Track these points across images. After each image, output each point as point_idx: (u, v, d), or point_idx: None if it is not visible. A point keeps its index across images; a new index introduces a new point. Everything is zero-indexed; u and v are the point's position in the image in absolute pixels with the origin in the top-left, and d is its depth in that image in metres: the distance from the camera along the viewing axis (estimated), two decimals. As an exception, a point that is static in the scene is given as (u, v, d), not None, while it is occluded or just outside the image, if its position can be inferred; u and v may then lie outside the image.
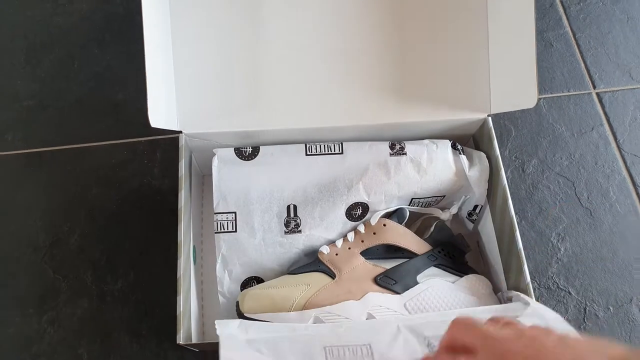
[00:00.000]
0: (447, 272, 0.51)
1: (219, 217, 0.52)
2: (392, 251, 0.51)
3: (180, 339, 0.45)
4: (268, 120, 0.54)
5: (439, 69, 0.56)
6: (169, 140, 0.66)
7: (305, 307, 0.47)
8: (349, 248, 0.51)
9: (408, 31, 0.56)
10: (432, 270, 0.51)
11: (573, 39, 0.76)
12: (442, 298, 0.48)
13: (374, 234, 0.51)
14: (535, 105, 0.50)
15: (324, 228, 0.52)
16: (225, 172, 0.52)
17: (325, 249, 0.51)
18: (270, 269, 0.53)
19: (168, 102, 0.52)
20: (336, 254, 0.50)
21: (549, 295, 0.60)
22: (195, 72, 0.53)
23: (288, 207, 0.52)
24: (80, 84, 0.69)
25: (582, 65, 0.74)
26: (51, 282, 0.59)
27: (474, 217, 0.57)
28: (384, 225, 0.51)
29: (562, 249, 0.63)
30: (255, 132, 0.54)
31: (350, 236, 0.52)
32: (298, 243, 0.52)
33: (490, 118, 0.55)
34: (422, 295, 0.48)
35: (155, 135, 0.67)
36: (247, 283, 0.53)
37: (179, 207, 0.50)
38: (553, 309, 0.59)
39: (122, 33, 0.74)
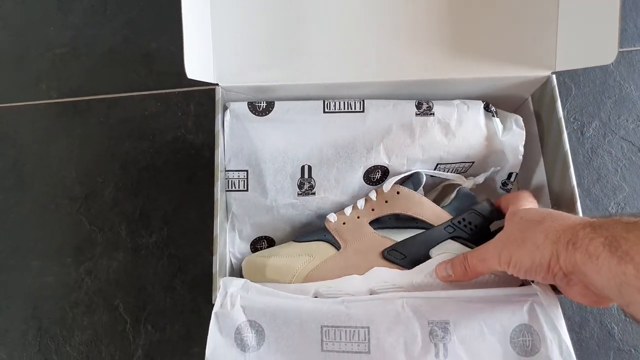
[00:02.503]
0: (465, 246, 0.46)
1: (230, 174, 0.49)
2: (406, 221, 0.46)
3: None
4: (309, 74, 0.50)
5: (495, 17, 0.50)
6: (203, 93, 0.64)
7: (306, 279, 0.45)
8: (358, 217, 0.47)
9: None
10: (449, 243, 0.45)
11: (651, -15, 0.68)
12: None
13: (386, 202, 0.46)
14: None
15: (340, 191, 0.49)
16: (238, 127, 0.49)
17: (332, 217, 0.48)
18: (281, 230, 0.51)
19: (205, 53, 0.49)
20: (344, 223, 0.47)
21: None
22: (234, 23, 0.50)
23: (302, 167, 0.49)
24: (113, 31, 0.67)
25: (660, 15, 0.66)
26: (87, 234, 0.59)
27: (509, 186, 0.52)
28: (398, 192, 0.46)
29: (621, 220, 0.58)
30: (295, 86, 0.50)
31: (360, 203, 0.47)
32: (311, 206, 0.50)
33: (554, 76, 0.49)
34: (433, 272, 0.44)
35: (189, 87, 0.64)
36: (257, 242, 0.51)
37: (215, 164, 0.47)
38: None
39: (155, -23, 0.70)
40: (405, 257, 0.45)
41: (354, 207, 0.48)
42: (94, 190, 0.61)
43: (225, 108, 0.51)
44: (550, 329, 0.39)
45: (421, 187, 0.48)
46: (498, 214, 0.46)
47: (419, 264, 0.44)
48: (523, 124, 0.50)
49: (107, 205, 0.60)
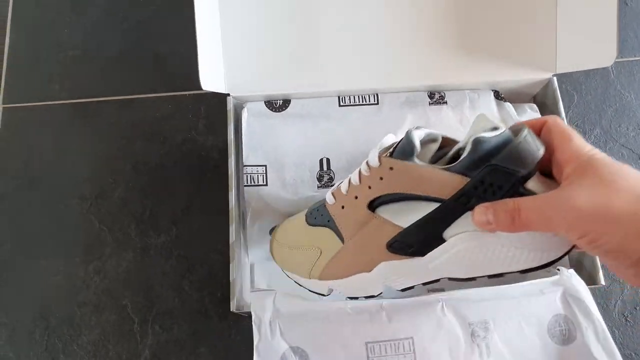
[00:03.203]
0: None
1: (249, 169, 0.50)
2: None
3: (234, 307, 0.44)
4: (320, 82, 0.51)
5: (496, 22, 0.51)
6: (214, 95, 0.64)
7: (321, 277, 0.42)
8: (356, 197, 0.39)
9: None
10: (468, 218, 0.35)
11: (651, -2, 0.69)
12: (476, 261, 0.36)
13: (381, 179, 0.37)
14: (603, 68, 0.46)
15: None
16: (255, 124, 0.50)
17: (330, 199, 0.41)
18: None
19: (216, 63, 0.50)
20: (342, 207, 0.40)
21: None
22: (244, 32, 0.51)
23: (321, 160, 0.50)
24: (125, 34, 0.68)
25: (660, 27, 0.68)
26: (97, 233, 0.60)
27: None
28: (391, 168, 0.36)
29: (623, 225, 0.59)
30: (306, 94, 0.51)
31: (355, 178, 0.39)
32: None
33: (555, 78, 0.51)
34: (448, 259, 0.36)
35: (200, 90, 0.65)
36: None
37: (229, 173, 0.48)
38: (609, 286, 0.57)
39: (167, -18, 0.71)
40: (412, 246, 0.37)
41: (350, 185, 0.40)
42: (104, 191, 0.61)
43: (237, 117, 0.52)
44: (585, 316, 0.40)
45: (417, 150, 0.36)
46: (534, 157, 0.32)
47: (431, 250, 0.37)
48: (537, 109, 0.51)
49: (117, 206, 0.61)
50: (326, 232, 0.42)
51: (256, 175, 0.50)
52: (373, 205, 0.38)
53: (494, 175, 0.32)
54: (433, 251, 0.37)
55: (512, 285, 0.41)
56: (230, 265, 0.46)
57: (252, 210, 0.50)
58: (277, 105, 0.51)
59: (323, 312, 0.41)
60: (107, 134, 0.64)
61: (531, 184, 0.33)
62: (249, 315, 0.51)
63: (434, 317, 0.40)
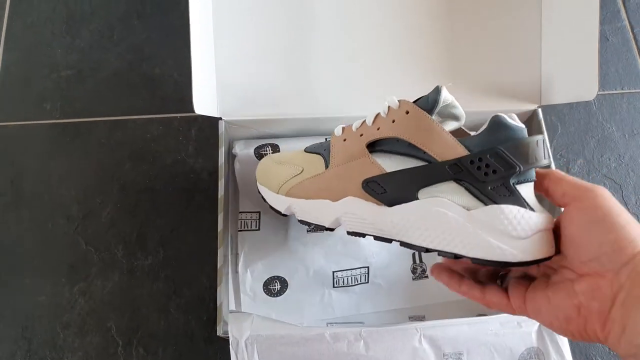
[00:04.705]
0: (469, 193, 0.34)
1: (243, 216, 0.52)
2: (416, 149, 0.36)
3: (221, 331, 0.44)
4: (311, 108, 0.52)
5: (484, 55, 0.53)
6: (205, 118, 0.65)
7: (288, 194, 0.43)
8: (361, 135, 0.39)
9: (453, 15, 0.53)
10: (448, 186, 0.34)
11: (631, 33, 0.72)
12: (437, 230, 0.34)
13: (393, 122, 0.37)
14: (586, 101, 0.47)
15: None
16: (246, 174, 0.52)
17: (338, 131, 0.42)
18: (293, 268, 0.52)
19: (209, 87, 0.51)
20: (344, 140, 0.41)
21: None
22: (236, 58, 0.52)
23: None
24: (118, 56, 0.68)
25: (639, 61, 0.70)
26: (83, 254, 0.59)
27: None
28: (407, 112, 0.36)
29: (605, 254, 0.60)
30: (298, 120, 0.52)
31: (370, 119, 0.40)
32: (321, 242, 0.51)
33: (540, 110, 0.53)
34: (412, 217, 0.36)
35: (190, 112, 0.65)
36: (269, 283, 0.52)
37: (218, 196, 0.49)
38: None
39: (162, 5, 0.72)
40: (385, 192, 0.37)
41: (363, 123, 0.40)
42: (92, 211, 0.61)
43: (228, 141, 0.53)
44: (555, 351, 0.42)
45: (439, 105, 0.36)
46: (540, 160, 0.33)
47: (400, 203, 0.36)
48: None
49: (104, 226, 0.61)
50: (316, 157, 0.43)
51: (250, 220, 0.52)
52: (373, 149, 0.39)
53: (493, 158, 0.32)
54: (400, 205, 0.36)
55: (491, 317, 0.42)
56: (218, 288, 0.46)
57: (244, 254, 0.51)
58: (266, 155, 0.53)
59: (301, 338, 0.41)
60: (97, 154, 0.64)
61: (525, 191, 0.33)
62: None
63: (410, 347, 0.41)
